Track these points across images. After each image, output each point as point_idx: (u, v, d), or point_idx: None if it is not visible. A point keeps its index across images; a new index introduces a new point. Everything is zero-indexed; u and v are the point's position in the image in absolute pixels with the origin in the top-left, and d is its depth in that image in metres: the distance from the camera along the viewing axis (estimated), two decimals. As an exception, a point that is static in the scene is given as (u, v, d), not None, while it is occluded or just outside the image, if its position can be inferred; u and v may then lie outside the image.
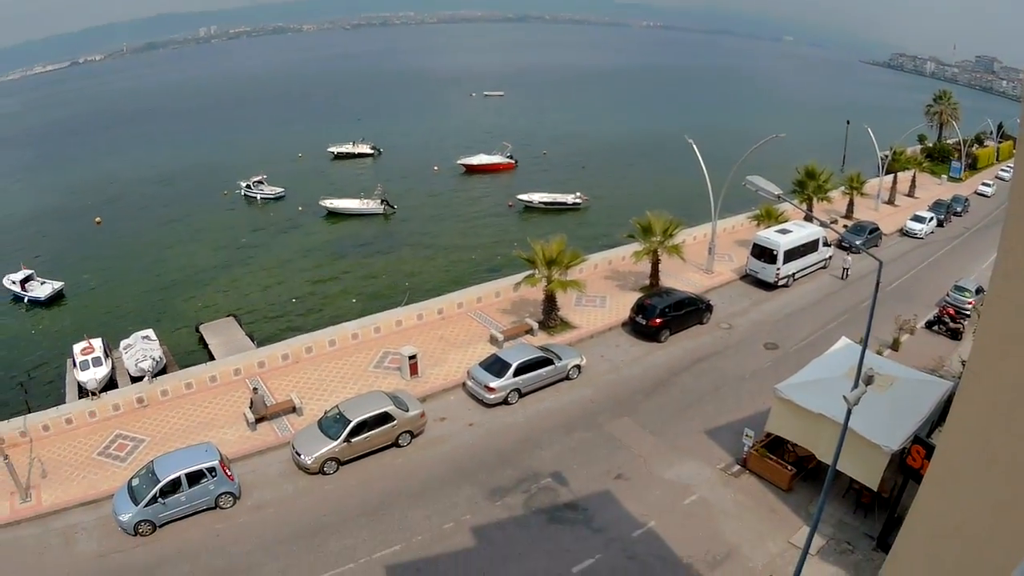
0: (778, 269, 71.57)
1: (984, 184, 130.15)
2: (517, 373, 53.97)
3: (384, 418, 48.42)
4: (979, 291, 66.65)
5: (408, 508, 43.87)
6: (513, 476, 46.34)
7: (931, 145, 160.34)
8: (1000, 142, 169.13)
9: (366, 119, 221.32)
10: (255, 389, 54.28)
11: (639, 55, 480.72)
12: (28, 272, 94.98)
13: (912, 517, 22.52)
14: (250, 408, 52.65)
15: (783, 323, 66.14)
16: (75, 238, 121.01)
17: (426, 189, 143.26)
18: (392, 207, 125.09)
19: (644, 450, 48.23)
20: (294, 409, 53.96)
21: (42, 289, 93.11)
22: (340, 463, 47.51)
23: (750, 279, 74.97)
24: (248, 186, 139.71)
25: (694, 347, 62.29)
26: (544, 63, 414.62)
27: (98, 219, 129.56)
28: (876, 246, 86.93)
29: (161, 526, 43.04)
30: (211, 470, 43.78)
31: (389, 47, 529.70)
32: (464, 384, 56.62)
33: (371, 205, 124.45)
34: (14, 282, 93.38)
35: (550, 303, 65.13)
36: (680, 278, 74.14)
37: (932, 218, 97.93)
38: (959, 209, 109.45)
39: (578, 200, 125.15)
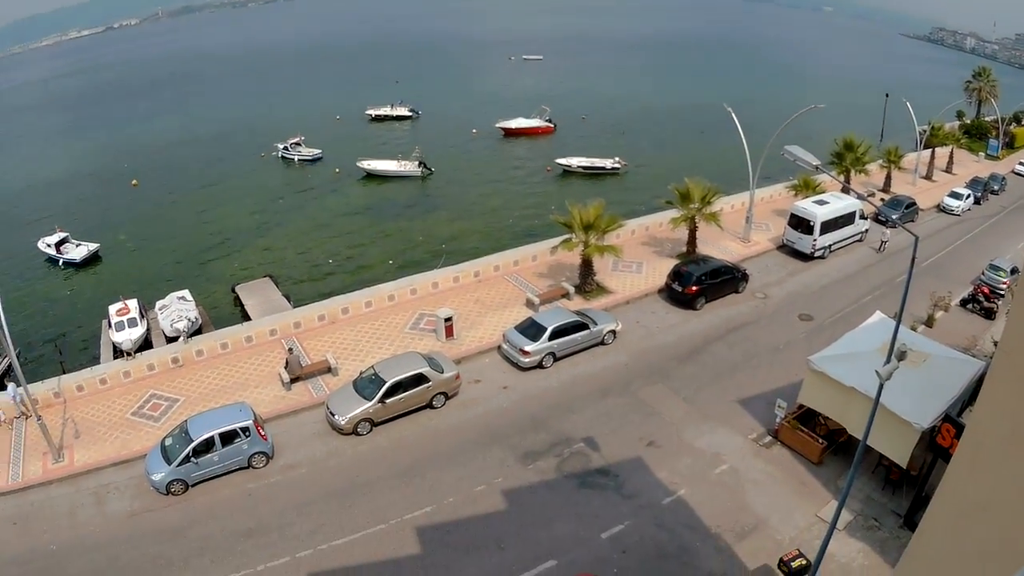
0: (814, 240, 70.87)
1: (1021, 163, 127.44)
2: (552, 337, 53.83)
3: (419, 379, 48.44)
4: (1014, 271, 65.91)
5: (440, 470, 44.07)
6: (545, 440, 46.42)
7: (969, 122, 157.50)
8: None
9: (404, 82, 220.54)
10: (290, 349, 54.83)
11: (678, 21, 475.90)
12: (63, 235, 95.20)
13: (939, 496, 22.09)
14: (285, 368, 52.94)
15: (818, 294, 65.58)
16: (111, 201, 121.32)
17: (464, 152, 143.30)
18: (429, 169, 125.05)
19: (676, 417, 48.18)
20: (329, 369, 54.08)
21: (77, 251, 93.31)
22: (374, 424, 47.68)
23: (786, 249, 74.25)
24: (285, 148, 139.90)
25: (729, 316, 61.91)
26: (584, 28, 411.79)
27: (134, 181, 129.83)
28: (912, 221, 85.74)
29: (193, 485, 43.46)
30: (245, 430, 43.99)
31: (428, 10, 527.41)
32: (499, 347, 56.53)
33: (408, 167, 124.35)
34: (49, 245, 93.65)
35: (586, 268, 64.84)
36: (717, 246, 73.68)
37: (969, 195, 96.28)
38: (996, 187, 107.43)
39: (617, 165, 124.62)
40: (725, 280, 64.17)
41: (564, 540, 38.29)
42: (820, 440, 42.83)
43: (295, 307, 67.12)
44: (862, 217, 75.49)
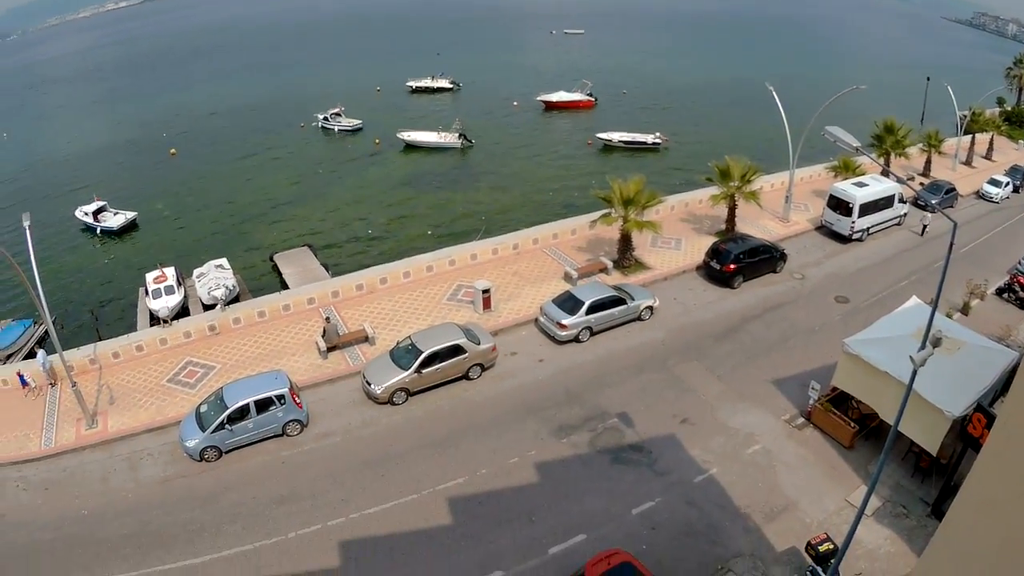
0: (853, 222, 70.34)
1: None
2: (590, 311, 53.85)
3: (455, 350, 48.61)
4: None
5: (474, 441, 44.31)
6: (580, 414, 46.49)
7: (1010, 109, 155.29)
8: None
9: (445, 54, 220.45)
10: (328, 318, 55.35)
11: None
12: (101, 203, 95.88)
13: (968, 486, 21.92)
14: (322, 337, 53.29)
15: (855, 277, 65.09)
16: (150, 170, 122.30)
17: (505, 124, 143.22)
18: (470, 141, 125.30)
19: (711, 396, 48.12)
20: (366, 339, 54.41)
21: (115, 219, 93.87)
22: (409, 394, 47.97)
23: (825, 230, 73.83)
24: (325, 118, 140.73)
25: (766, 295, 61.68)
26: (625, 2, 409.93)
27: (173, 150, 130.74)
28: (951, 207, 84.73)
29: (227, 452, 43.97)
30: (280, 397, 44.29)
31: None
32: (536, 320, 56.62)
33: (449, 139, 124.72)
34: (87, 213, 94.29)
35: (625, 243, 64.71)
36: (756, 225, 73.31)
37: (1008, 183, 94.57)
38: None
39: (658, 140, 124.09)
40: (763, 259, 63.87)
41: (595, 515, 38.43)
42: (852, 424, 42.64)
43: (333, 276, 67.39)
44: (901, 201, 74.76)
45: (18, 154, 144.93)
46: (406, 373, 47.05)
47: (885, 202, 72.81)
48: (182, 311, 64.55)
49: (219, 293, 63.31)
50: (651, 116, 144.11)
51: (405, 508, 39.21)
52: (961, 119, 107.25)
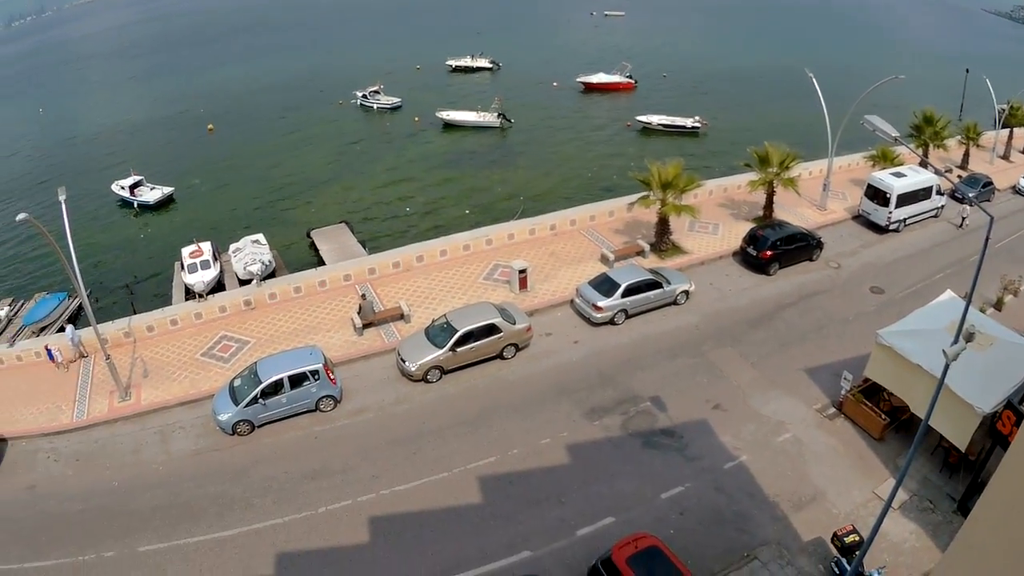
0: (890, 212, 69.65)
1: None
2: (626, 294, 53.84)
3: (490, 329, 48.79)
4: None
5: (507, 421, 44.57)
6: (613, 397, 46.61)
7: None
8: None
9: (486, 33, 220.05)
10: (364, 295, 55.56)
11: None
12: (138, 178, 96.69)
13: (994, 484, 21.86)
14: (358, 313, 53.62)
15: (891, 268, 64.50)
16: (187, 145, 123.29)
17: (544, 105, 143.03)
18: (509, 121, 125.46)
19: (744, 382, 48.07)
20: (402, 316, 54.77)
21: (151, 194, 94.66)
22: (444, 372, 48.28)
23: (862, 220, 73.06)
24: (364, 96, 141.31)
25: (802, 283, 61.34)
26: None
27: (210, 126, 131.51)
28: (988, 200, 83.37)
29: (259, 427, 44.41)
30: (314, 373, 44.63)
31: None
32: (572, 301, 56.69)
33: (488, 118, 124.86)
34: (123, 187, 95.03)
35: (663, 226, 64.57)
36: (793, 212, 72.93)
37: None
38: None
39: (697, 124, 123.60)
40: (800, 247, 63.51)
41: (624, 498, 38.61)
42: (883, 416, 42.48)
43: (370, 253, 67.54)
44: (939, 193, 73.78)
45: (55, 129, 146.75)
46: (441, 351, 47.28)
47: (923, 193, 71.94)
48: (218, 286, 64.96)
49: (255, 268, 63.59)
50: (691, 100, 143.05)
51: (436, 486, 39.53)
52: (999, 112, 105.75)
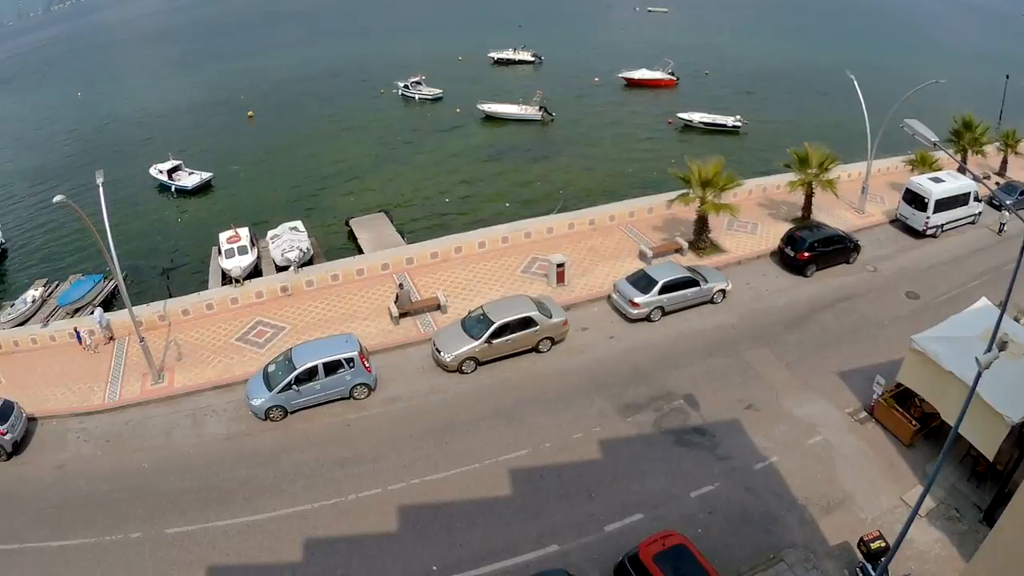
0: (928, 217, 69.05)
1: None
2: (663, 291, 53.98)
3: (527, 322, 49.04)
4: None
5: (540, 414, 44.83)
6: (646, 394, 46.72)
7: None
8: None
9: (527, 26, 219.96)
10: (401, 284, 55.92)
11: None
12: (176, 162, 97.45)
13: (1020, 495, 21.37)
14: (395, 303, 54.10)
15: (927, 273, 63.96)
16: (227, 132, 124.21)
17: (586, 99, 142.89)
18: (550, 114, 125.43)
19: (777, 383, 48.00)
20: (439, 306, 55.16)
21: (190, 179, 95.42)
22: (478, 363, 48.57)
23: (899, 224, 72.35)
24: (406, 86, 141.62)
25: (838, 285, 61.07)
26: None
27: (250, 113, 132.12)
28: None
29: (292, 412, 44.84)
30: (349, 360, 45.06)
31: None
32: (609, 296, 56.85)
33: (529, 111, 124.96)
34: (161, 171, 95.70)
35: (702, 224, 64.55)
36: (831, 214, 72.59)
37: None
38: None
39: (737, 123, 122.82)
40: (837, 249, 63.27)
41: (654, 495, 38.78)
42: (914, 422, 42.30)
43: (408, 243, 67.84)
44: (976, 199, 73.02)
45: (93, 113, 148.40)
46: (476, 343, 47.59)
47: (961, 199, 71.22)
48: (254, 271, 65.29)
49: (293, 255, 63.97)
50: (732, 98, 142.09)
51: (466, 477, 39.87)
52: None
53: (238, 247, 66.31)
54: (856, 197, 75.10)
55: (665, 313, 54.56)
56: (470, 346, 47.57)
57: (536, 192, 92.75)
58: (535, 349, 50.07)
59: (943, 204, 68.57)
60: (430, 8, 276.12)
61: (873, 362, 48.59)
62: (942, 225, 69.72)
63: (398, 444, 42.17)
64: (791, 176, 70.80)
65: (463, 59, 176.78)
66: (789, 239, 62.56)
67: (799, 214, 71.52)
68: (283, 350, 48.01)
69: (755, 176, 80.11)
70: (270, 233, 71.98)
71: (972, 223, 72.84)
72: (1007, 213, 71.70)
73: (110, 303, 65.99)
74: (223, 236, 68.40)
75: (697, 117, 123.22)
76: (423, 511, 37.83)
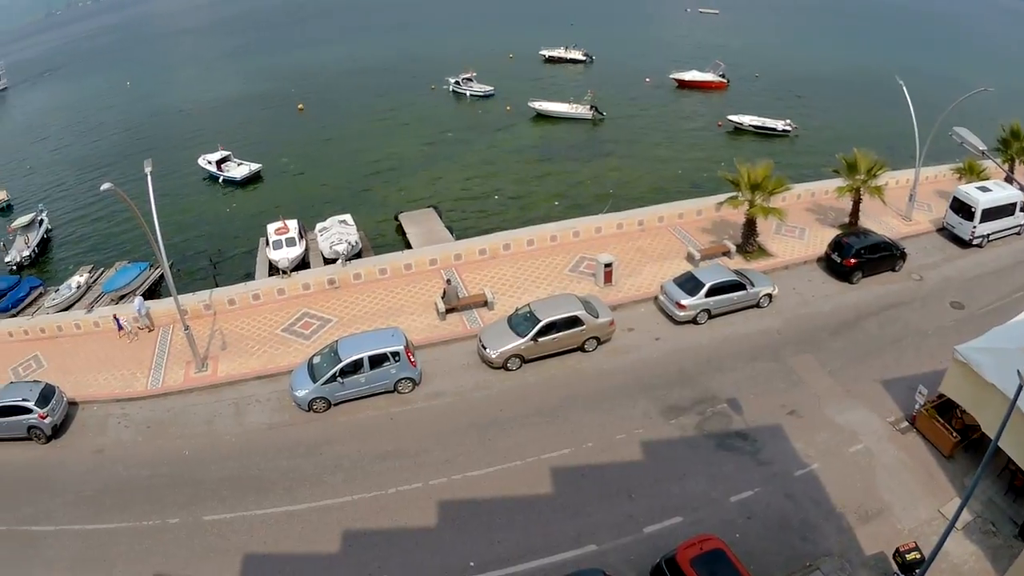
0: (974, 227, 68.38)
1: None
2: (710, 294, 54.01)
3: (573, 321, 49.32)
4: None
5: (583, 413, 45.09)
6: (690, 396, 46.90)
7: None
8: None
9: (579, 24, 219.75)
10: (448, 280, 56.36)
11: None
12: (225, 153, 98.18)
13: None
14: (442, 298, 54.56)
15: (972, 283, 63.30)
16: (277, 123, 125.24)
17: (636, 99, 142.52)
18: (601, 114, 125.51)
19: (820, 390, 47.91)
20: (486, 303, 55.52)
21: (238, 170, 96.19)
22: (524, 361, 48.96)
23: (946, 233, 71.69)
24: (457, 82, 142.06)
25: (883, 293, 60.65)
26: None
27: (301, 106, 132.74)
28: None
29: (336, 405, 45.30)
30: (395, 354, 45.58)
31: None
32: (656, 298, 56.98)
33: (580, 110, 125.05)
34: (210, 162, 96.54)
35: (750, 228, 64.42)
36: (878, 220, 72.02)
37: None
38: None
39: (788, 128, 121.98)
40: (883, 256, 62.88)
41: (694, 498, 38.98)
42: (954, 433, 42.04)
43: (457, 239, 68.12)
44: (1022, 209, 72.10)
45: (142, 103, 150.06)
46: (522, 340, 47.95)
47: (1007, 209, 70.46)
48: (302, 263, 65.78)
49: (341, 248, 64.41)
50: (782, 102, 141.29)
51: (508, 474, 40.22)
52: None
53: (286, 239, 66.86)
54: (904, 204, 74.56)
55: (711, 316, 54.65)
56: (516, 343, 47.91)
57: (585, 191, 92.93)
58: (581, 348, 50.28)
59: (990, 214, 67.98)
60: (483, 5, 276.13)
61: (916, 372, 48.32)
62: (988, 235, 69.12)
63: (440, 439, 42.55)
64: (839, 182, 70.59)
65: (514, 57, 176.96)
66: (836, 245, 62.38)
67: (847, 220, 71.12)
68: (329, 342, 48.65)
69: (803, 181, 79.71)
70: (319, 226, 72.62)
71: (1017, 234, 72.13)
72: (1056, 225, 70.93)
73: (155, 291, 66.69)
74: (271, 227, 69.10)
75: (747, 120, 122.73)
76: (463, 507, 38.19)
